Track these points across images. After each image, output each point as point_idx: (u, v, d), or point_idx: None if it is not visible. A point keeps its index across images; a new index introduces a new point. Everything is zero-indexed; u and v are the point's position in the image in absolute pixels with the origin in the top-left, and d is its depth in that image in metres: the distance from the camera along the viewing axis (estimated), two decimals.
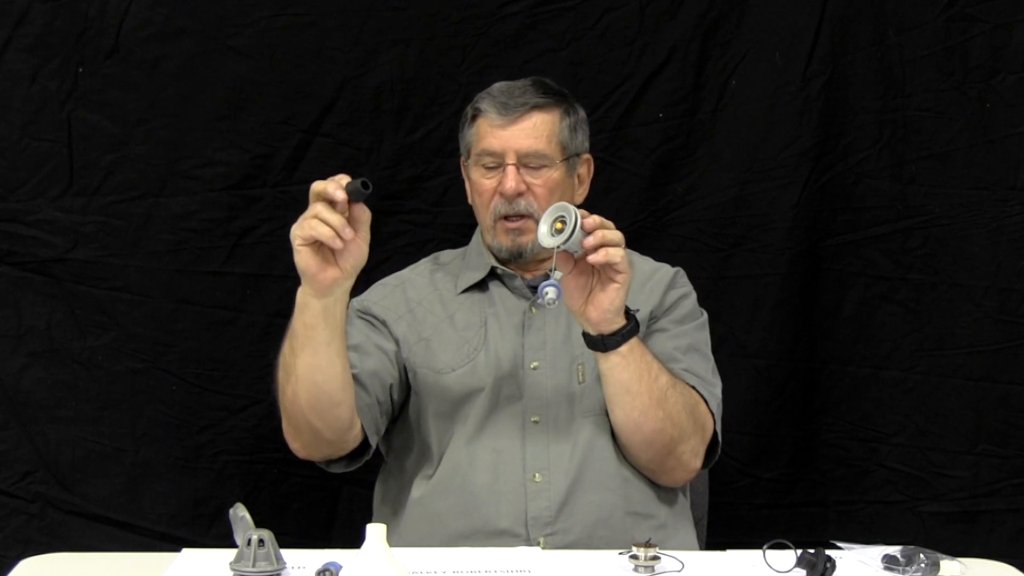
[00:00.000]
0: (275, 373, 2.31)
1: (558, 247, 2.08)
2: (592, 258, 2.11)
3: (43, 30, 2.84)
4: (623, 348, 2.21)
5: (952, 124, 2.94)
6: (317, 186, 2.06)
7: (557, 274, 2.09)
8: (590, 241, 2.10)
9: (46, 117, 2.86)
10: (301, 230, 2.06)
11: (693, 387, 2.36)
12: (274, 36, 2.88)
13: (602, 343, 2.21)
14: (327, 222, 2.03)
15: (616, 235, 2.13)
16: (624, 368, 2.23)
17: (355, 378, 2.30)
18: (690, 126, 2.96)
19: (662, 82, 2.95)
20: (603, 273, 2.15)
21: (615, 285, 2.16)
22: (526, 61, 2.87)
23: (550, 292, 2.07)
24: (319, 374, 2.21)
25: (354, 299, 2.48)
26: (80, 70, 2.86)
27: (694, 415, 2.32)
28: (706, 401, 2.37)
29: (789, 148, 2.95)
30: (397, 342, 2.43)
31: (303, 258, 2.08)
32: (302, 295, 2.15)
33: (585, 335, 2.23)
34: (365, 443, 2.34)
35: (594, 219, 2.11)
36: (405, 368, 2.42)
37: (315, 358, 2.19)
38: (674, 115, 2.95)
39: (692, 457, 2.34)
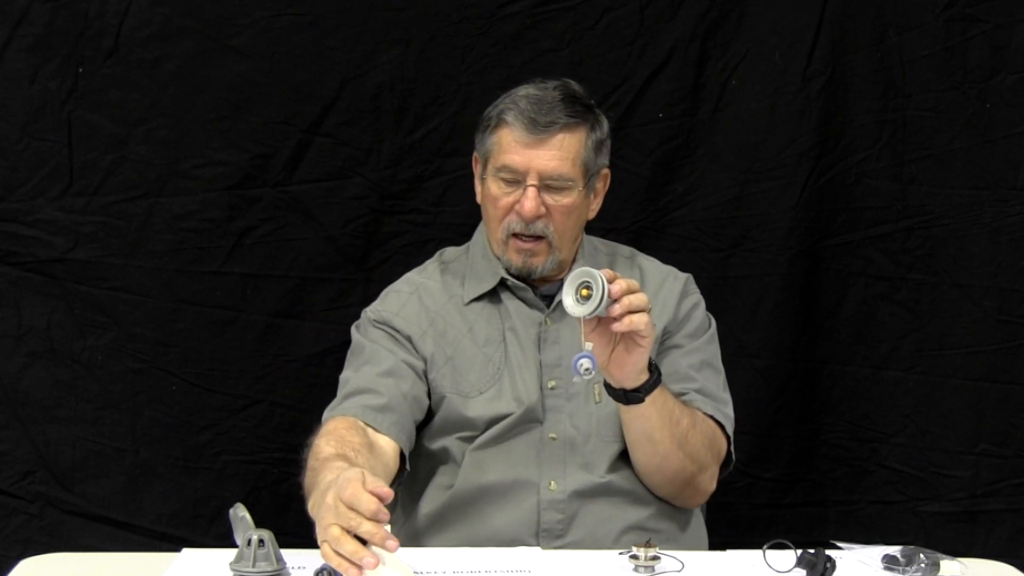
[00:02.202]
0: (304, 465, 2.20)
1: (587, 316, 2.02)
2: (616, 327, 2.05)
3: (43, 30, 2.84)
4: (648, 400, 2.18)
5: (952, 124, 2.94)
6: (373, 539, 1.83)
7: (588, 345, 2.03)
8: (616, 309, 2.04)
9: (46, 117, 2.86)
10: (328, 555, 1.83)
11: (710, 415, 2.34)
12: (274, 36, 2.88)
13: (624, 397, 2.18)
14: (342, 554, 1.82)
15: (641, 300, 2.06)
16: (647, 419, 2.22)
17: (388, 407, 2.27)
18: (690, 126, 2.96)
19: (662, 82, 2.94)
20: (627, 336, 2.10)
21: (640, 348, 2.11)
22: (526, 61, 2.87)
23: (585, 364, 2.00)
24: None
25: (368, 309, 2.45)
26: (80, 70, 2.86)
27: (712, 446, 2.32)
28: (721, 425, 2.36)
29: (789, 148, 2.95)
30: (425, 360, 2.37)
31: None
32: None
33: (607, 386, 2.19)
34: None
35: (620, 284, 2.04)
36: (430, 386, 2.37)
37: None
38: (674, 115, 2.95)
39: (710, 482, 2.35)
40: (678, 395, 2.33)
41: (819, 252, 2.98)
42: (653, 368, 2.18)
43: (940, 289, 2.97)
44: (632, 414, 2.22)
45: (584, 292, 1.99)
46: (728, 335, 2.90)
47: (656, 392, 2.18)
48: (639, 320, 2.06)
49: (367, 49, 2.90)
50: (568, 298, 2.00)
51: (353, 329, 2.45)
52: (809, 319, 3.00)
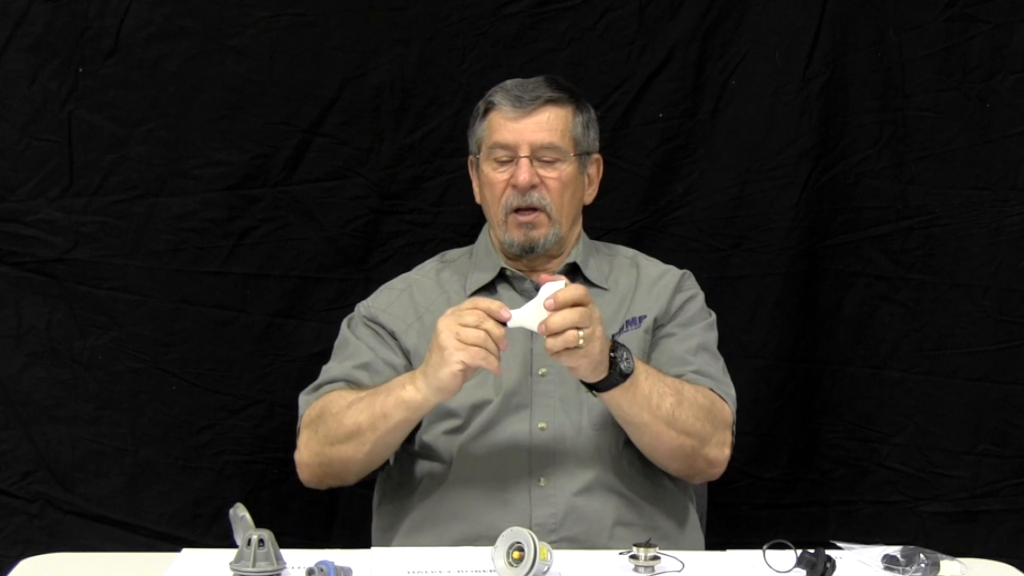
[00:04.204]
0: (306, 415, 2.37)
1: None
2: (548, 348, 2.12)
3: (43, 30, 2.84)
4: (614, 392, 2.21)
5: (952, 124, 2.94)
6: (482, 303, 2.14)
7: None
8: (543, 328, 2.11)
9: (46, 117, 2.86)
10: (469, 357, 2.11)
11: (710, 388, 2.35)
12: (274, 36, 2.88)
13: (588, 388, 2.23)
14: (493, 352, 2.11)
15: (566, 320, 2.09)
16: (620, 407, 2.25)
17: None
18: (690, 126, 2.96)
19: (662, 82, 2.95)
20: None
21: (572, 361, 2.15)
22: (526, 61, 2.87)
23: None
24: (388, 453, 2.33)
25: (360, 304, 2.50)
26: (80, 70, 2.86)
27: (711, 415, 2.32)
28: (722, 398, 2.37)
29: (789, 148, 2.95)
30: (407, 355, 2.41)
31: (456, 380, 2.14)
32: (420, 398, 2.20)
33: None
34: None
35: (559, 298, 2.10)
36: None
37: (393, 441, 2.29)
38: (674, 115, 2.95)
39: (720, 450, 2.34)
40: (676, 377, 2.34)
41: (819, 252, 2.98)
42: (614, 367, 2.18)
43: (940, 289, 2.97)
44: (607, 401, 2.24)
45: (516, 555, 1.93)
46: (728, 335, 2.90)
47: (627, 383, 2.20)
48: (560, 344, 2.10)
49: (367, 49, 2.91)
50: (500, 561, 1.93)
51: (344, 322, 2.51)
52: (809, 319, 3.00)
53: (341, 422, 2.28)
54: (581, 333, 2.09)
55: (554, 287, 2.11)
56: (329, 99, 2.91)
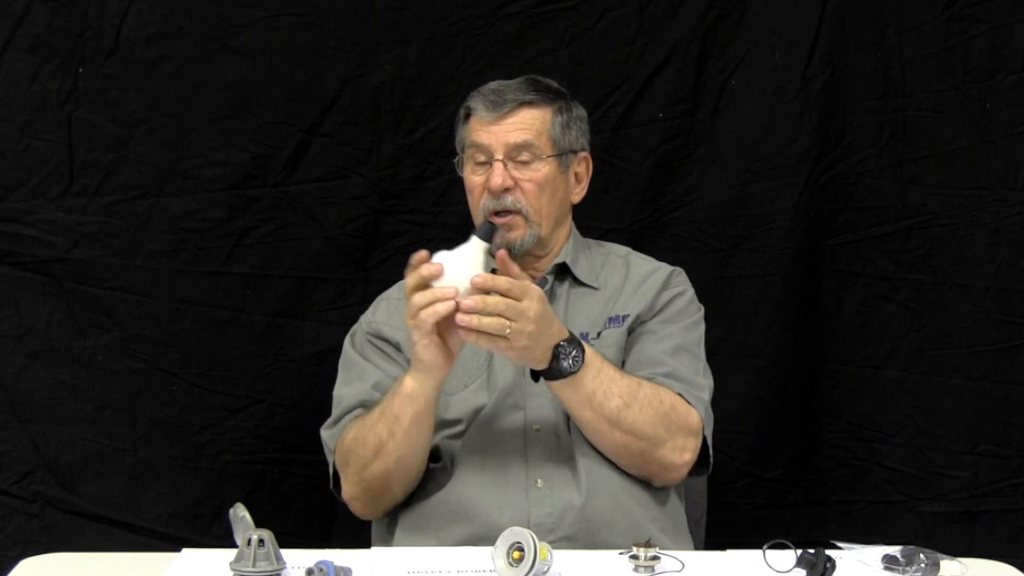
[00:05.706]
0: (337, 454, 2.36)
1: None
2: (458, 320, 2.12)
3: (43, 30, 2.84)
4: (554, 383, 2.23)
5: (952, 124, 2.94)
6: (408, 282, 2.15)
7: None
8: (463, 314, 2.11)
9: (46, 117, 2.86)
10: (418, 325, 2.13)
11: (679, 393, 2.33)
12: (274, 36, 2.89)
13: (532, 374, 2.26)
14: (429, 301, 2.11)
15: (492, 323, 2.11)
16: (560, 397, 2.27)
17: None
18: (690, 126, 2.96)
19: (662, 82, 2.95)
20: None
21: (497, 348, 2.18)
22: (526, 61, 2.87)
23: None
24: (417, 455, 2.30)
25: (363, 318, 2.50)
26: (80, 70, 2.86)
27: (668, 420, 2.29)
28: (690, 403, 2.34)
29: (789, 148, 2.95)
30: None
31: (429, 353, 2.15)
32: (417, 384, 2.21)
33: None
34: None
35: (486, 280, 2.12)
36: None
37: (417, 440, 2.27)
38: (674, 115, 2.95)
39: (678, 455, 2.32)
40: (644, 378, 2.33)
41: (819, 252, 2.98)
42: (556, 361, 2.19)
43: (940, 289, 2.97)
44: (550, 389, 2.26)
45: (516, 555, 1.92)
46: (728, 335, 2.91)
47: (562, 381, 2.22)
48: (483, 325, 2.10)
49: (367, 49, 2.91)
50: (500, 561, 1.92)
51: (347, 338, 2.50)
52: (809, 319, 3.00)
53: (366, 443, 2.28)
54: (509, 325, 2.11)
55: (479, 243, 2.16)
56: (329, 99, 2.91)
